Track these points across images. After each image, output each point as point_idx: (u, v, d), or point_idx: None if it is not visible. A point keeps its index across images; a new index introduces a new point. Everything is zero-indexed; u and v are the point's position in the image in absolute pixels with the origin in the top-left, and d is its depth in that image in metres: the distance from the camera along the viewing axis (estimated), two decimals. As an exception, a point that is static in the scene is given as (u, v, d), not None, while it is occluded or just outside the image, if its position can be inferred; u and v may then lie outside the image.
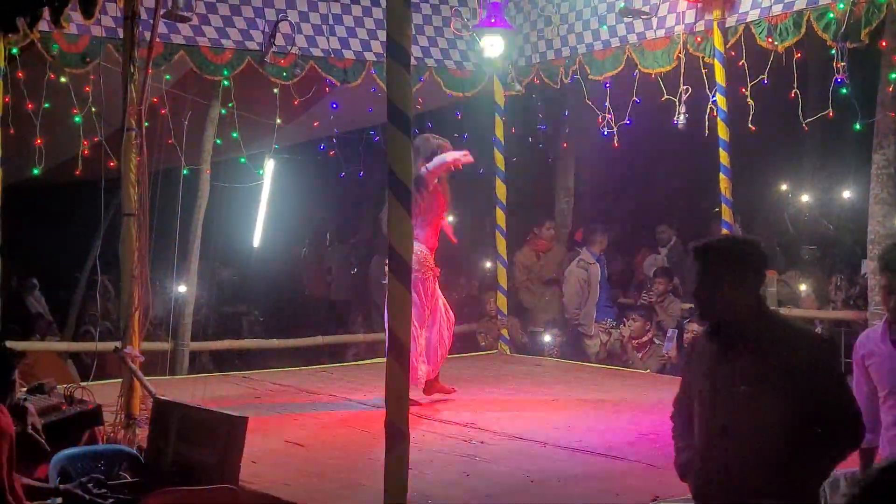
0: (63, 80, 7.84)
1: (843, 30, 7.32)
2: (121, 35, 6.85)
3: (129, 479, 4.91)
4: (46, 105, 7.71)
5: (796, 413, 3.54)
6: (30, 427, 4.99)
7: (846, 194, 12.28)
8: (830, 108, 7.68)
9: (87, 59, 7.87)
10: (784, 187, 13.16)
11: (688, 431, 3.85)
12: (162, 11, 7.07)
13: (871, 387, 4.35)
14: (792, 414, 3.54)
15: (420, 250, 7.17)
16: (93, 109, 7.85)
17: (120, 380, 6.57)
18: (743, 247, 3.82)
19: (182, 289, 9.28)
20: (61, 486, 4.57)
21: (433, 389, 7.48)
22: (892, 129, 7.86)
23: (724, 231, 8.46)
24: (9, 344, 5.01)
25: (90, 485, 4.55)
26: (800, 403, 3.54)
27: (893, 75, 7.67)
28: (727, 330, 3.71)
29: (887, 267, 4.25)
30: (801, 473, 3.56)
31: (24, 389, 5.81)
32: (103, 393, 6.32)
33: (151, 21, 6.79)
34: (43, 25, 7.08)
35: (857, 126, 7.86)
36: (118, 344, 6.52)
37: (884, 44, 7.68)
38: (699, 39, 8.48)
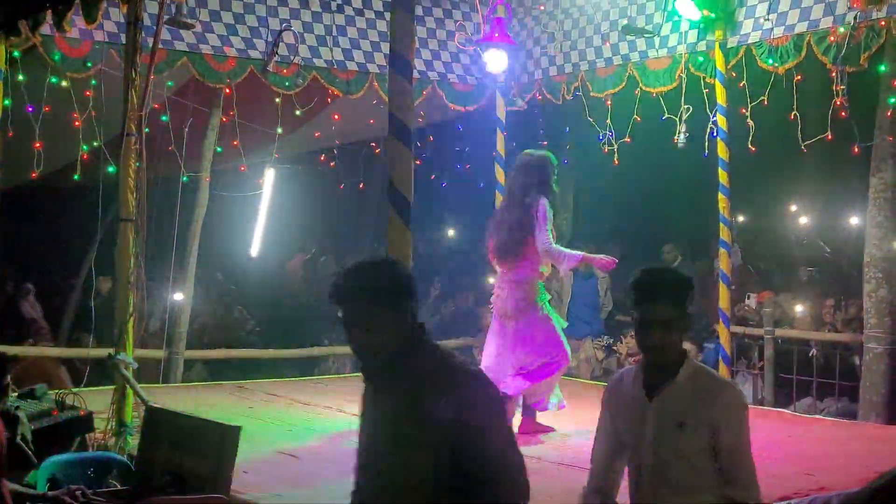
0: (64, 84, 7.84)
1: (842, 53, 7.35)
2: (123, 40, 6.85)
3: (119, 487, 4.89)
4: (47, 109, 7.71)
5: (442, 466, 3.03)
6: (19, 437, 4.97)
7: (844, 217, 12.29)
8: (829, 131, 7.70)
9: (89, 64, 7.87)
10: (784, 208, 13.17)
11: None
12: (165, 17, 7.07)
13: (615, 437, 3.82)
14: (437, 467, 3.03)
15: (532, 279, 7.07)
16: (93, 114, 7.85)
17: (113, 387, 6.55)
18: (379, 271, 3.24)
19: (178, 296, 9.27)
20: (49, 493, 4.54)
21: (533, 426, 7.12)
22: (890, 152, 7.89)
23: (723, 251, 8.45)
24: (1, 348, 5.00)
25: (79, 492, 4.52)
26: (447, 455, 3.02)
27: (892, 99, 7.69)
28: (377, 367, 3.23)
29: (640, 296, 3.65)
30: None
31: (16, 395, 5.80)
32: (96, 399, 6.30)
33: (154, 27, 6.79)
34: (45, 29, 7.10)
35: (856, 149, 7.88)
36: (112, 351, 6.50)
37: (882, 68, 7.71)
38: (701, 59, 8.50)
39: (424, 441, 3.05)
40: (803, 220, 12.84)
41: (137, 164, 6.57)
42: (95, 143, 7.97)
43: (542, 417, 7.17)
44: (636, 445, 3.69)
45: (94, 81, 7.90)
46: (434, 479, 3.04)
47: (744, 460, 3.61)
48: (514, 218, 7.04)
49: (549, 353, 7.01)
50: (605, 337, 10.63)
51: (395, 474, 3.10)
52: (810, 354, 9.08)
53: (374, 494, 3.20)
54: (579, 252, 7.16)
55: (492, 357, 7.13)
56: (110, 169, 7.37)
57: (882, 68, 7.70)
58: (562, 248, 7.10)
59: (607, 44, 9.24)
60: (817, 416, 8.22)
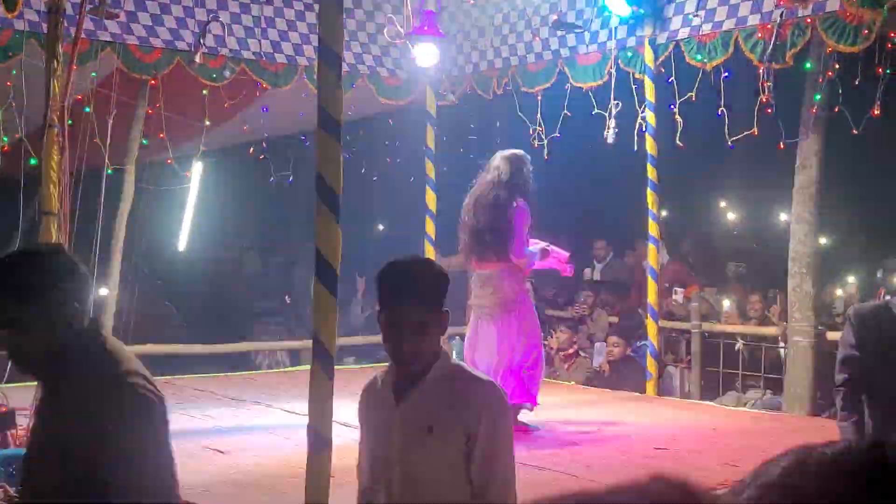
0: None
1: (769, 51, 7.48)
2: (45, 30, 6.67)
3: (41, 485, 4.77)
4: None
5: (84, 481, 2.65)
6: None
7: (772, 212, 12.51)
8: (756, 128, 7.83)
9: (10, 54, 7.68)
10: (713, 203, 13.36)
11: None
12: (89, 7, 6.90)
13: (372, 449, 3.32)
14: (76, 481, 2.66)
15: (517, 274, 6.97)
16: (13, 105, 7.65)
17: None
18: (19, 263, 2.82)
19: (103, 291, 9.08)
20: (-31, 492, 4.43)
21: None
22: (814, 149, 8.03)
23: (651, 246, 8.55)
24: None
25: (1, 490, 4.41)
26: (89, 467, 2.65)
27: (817, 96, 7.84)
28: (30, 371, 2.96)
29: (389, 296, 3.12)
30: None
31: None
32: (18, 396, 6.14)
33: (77, 16, 6.63)
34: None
35: (781, 146, 8.03)
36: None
37: (808, 66, 7.86)
38: (630, 55, 8.58)
39: (63, 452, 2.71)
40: (731, 215, 13.04)
41: (60, 156, 6.41)
42: (17, 136, 7.77)
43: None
44: (386, 456, 3.20)
45: (14, 71, 7.70)
46: (71, 493, 2.67)
47: (499, 467, 3.19)
48: (490, 218, 6.95)
49: (536, 346, 6.95)
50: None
51: (43, 484, 2.77)
52: (736, 348, 9.22)
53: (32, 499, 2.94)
54: (538, 247, 7.16)
55: (486, 361, 6.84)
56: (32, 161, 7.17)
57: (807, 66, 7.85)
58: (531, 252, 7.07)
59: (537, 39, 9.28)
60: (742, 409, 8.35)
